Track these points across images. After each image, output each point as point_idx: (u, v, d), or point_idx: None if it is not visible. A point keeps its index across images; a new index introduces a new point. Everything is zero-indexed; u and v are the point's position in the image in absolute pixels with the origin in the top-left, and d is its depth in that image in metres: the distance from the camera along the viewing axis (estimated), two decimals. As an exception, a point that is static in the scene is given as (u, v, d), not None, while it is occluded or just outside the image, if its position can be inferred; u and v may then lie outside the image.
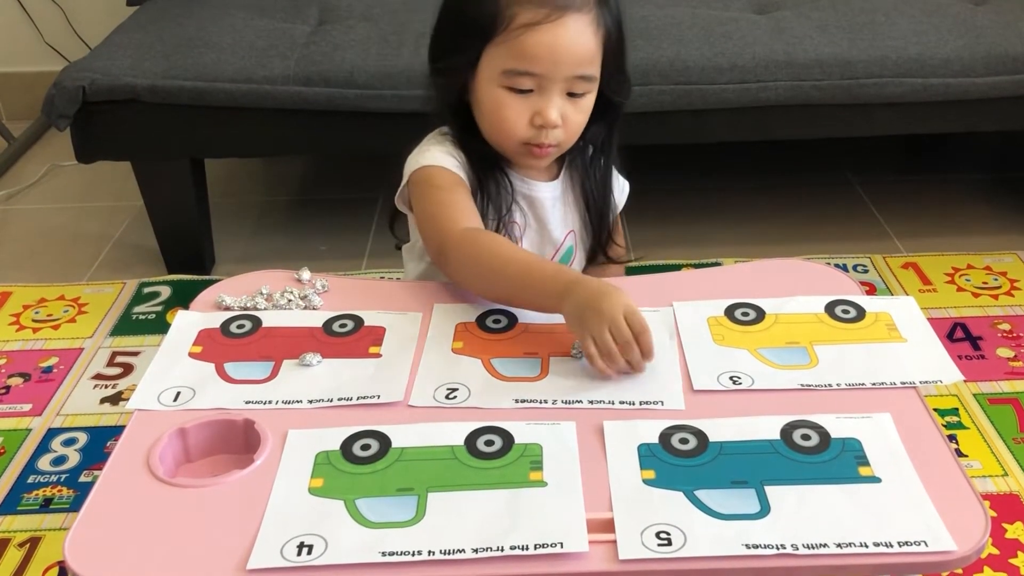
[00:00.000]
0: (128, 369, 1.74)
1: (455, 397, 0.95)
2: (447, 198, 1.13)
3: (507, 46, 1.08)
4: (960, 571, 1.19)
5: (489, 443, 0.89)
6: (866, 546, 0.77)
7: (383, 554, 0.77)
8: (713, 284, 1.14)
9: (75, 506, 1.44)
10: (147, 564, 0.78)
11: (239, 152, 2.15)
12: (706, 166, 2.43)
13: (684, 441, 0.89)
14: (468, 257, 1.07)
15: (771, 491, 0.83)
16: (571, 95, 1.11)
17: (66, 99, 1.80)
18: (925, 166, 2.46)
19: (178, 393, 0.96)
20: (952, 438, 1.52)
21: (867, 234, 2.14)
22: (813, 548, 0.77)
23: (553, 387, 0.96)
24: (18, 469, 1.52)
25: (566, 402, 0.94)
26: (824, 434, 0.89)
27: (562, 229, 1.23)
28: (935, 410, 1.42)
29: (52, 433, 1.59)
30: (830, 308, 1.08)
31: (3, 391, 1.69)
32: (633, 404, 0.93)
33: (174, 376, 0.98)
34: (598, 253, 1.26)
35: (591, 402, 0.94)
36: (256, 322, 1.07)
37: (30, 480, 1.50)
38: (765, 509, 0.81)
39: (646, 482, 0.84)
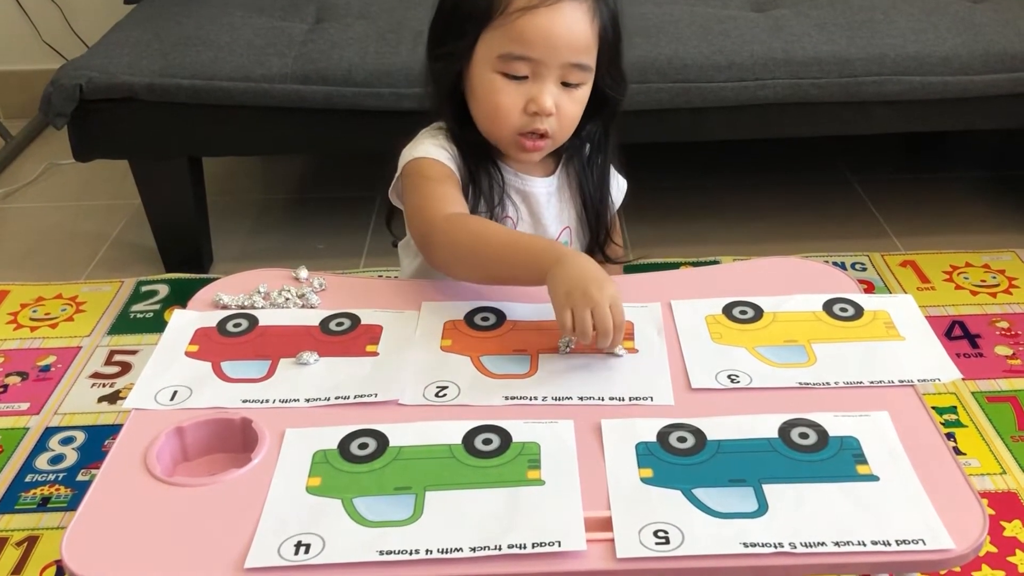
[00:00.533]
0: (126, 368, 1.74)
1: (445, 395, 0.95)
2: (436, 188, 1.13)
3: (503, 30, 1.08)
4: (958, 569, 1.18)
5: (487, 442, 0.88)
6: (864, 544, 0.77)
7: (381, 553, 0.77)
8: (711, 282, 1.14)
9: (73, 505, 1.44)
10: (144, 563, 0.78)
11: (237, 151, 2.15)
12: (704, 164, 2.43)
13: (682, 440, 0.89)
14: (453, 239, 1.07)
15: (769, 489, 0.82)
16: (566, 85, 1.11)
17: (63, 97, 1.80)
18: (923, 164, 2.45)
19: (175, 392, 0.96)
20: (950, 436, 1.52)
21: (866, 232, 2.14)
22: (811, 547, 0.77)
23: (543, 384, 0.96)
24: (16, 468, 1.52)
25: (556, 399, 0.94)
26: (822, 432, 0.89)
27: (557, 225, 1.23)
28: (933, 408, 1.42)
29: (50, 432, 1.59)
30: (828, 306, 1.08)
31: (1, 390, 1.69)
32: (623, 400, 0.94)
33: (171, 375, 0.98)
34: (595, 251, 1.26)
35: (581, 398, 0.94)
36: (253, 321, 1.06)
37: (28, 479, 1.50)
38: (763, 508, 0.81)
39: (644, 481, 0.84)
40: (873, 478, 0.84)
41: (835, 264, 1.79)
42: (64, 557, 0.78)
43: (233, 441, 0.92)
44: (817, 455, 0.87)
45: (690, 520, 0.79)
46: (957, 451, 1.48)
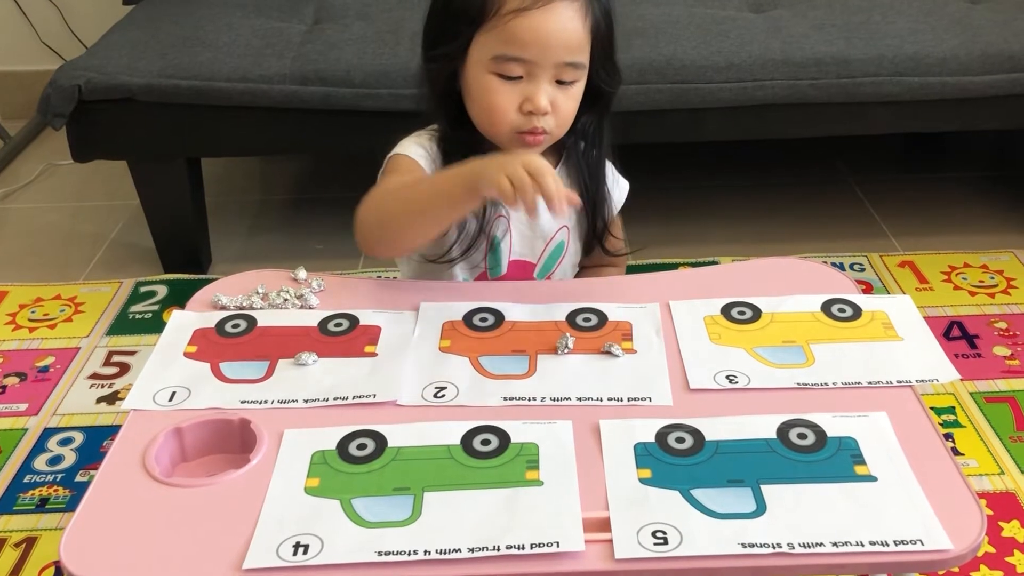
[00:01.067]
0: (125, 368, 1.74)
1: (443, 396, 0.95)
2: (395, 182, 1.14)
3: (496, 32, 1.08)
4: (956, 570, 1.19)
5: (485, 442, 0.89)
6: (862, 545, 0.77)
7: (379, 554, 0.77)
8: (710, 283, 1.14)
9: (71, 506, 1.44)
10: (143, 564, 0.78)
11: (235, 151, 2.15)
12: (703, 165, 2.43)
13: (680, 440, 0.89)
14: (375, 204, 1.09)
15: (767, 490, 0.83)
16: (560, 83, 1.11)
17: (62, 98, 1.80)
18: (922, 165, 2.46)
19: (173, 393, 0.96)
20: (949, 436, 1.52)
21: (864, 233, 2.14)
22: (809, 547, 0.77)
23: (541, 384, 0.96)
24: (14, 469, 1.52)
25: (554, 399, 0.94)
26: (820, 433, 0.89)
27: (554, 223, 1.23)
28: (932, 409, 1.42)
29: (48, 433, 1.59)
30: (826, 307, 1.08)
31: (-1, 391, 1.69)
32: (621, 400, 0.94)
33: (169, 376, 0.98)
34: (593, 245, 1.26)
35: (579, 399, 0.94)
36: (251, 322, 1.07)
37: (26, 480, 1.50)
38: (761, 508, 0.81)
39: (642, 481, 0.84)
40: (871, 478, 0.84)
41: (833, 265, 1.80)
42: (62, 558, 0.78)
43: (232, 442, 0.92)
44: (815, 455, 0.87)
45: (688, 520, 0.79)
46: (955, 451, 1.49)
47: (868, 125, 1.93)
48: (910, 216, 2.19)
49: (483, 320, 1.06)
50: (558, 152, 1.23)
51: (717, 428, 0.90)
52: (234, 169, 2.48)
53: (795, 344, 1.02)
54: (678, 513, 0.80)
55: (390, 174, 1.17)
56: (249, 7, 2.00)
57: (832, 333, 1.04)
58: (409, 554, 0.77)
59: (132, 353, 1.79)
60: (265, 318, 1.07)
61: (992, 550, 1.32)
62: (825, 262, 1.28)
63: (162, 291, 1.97)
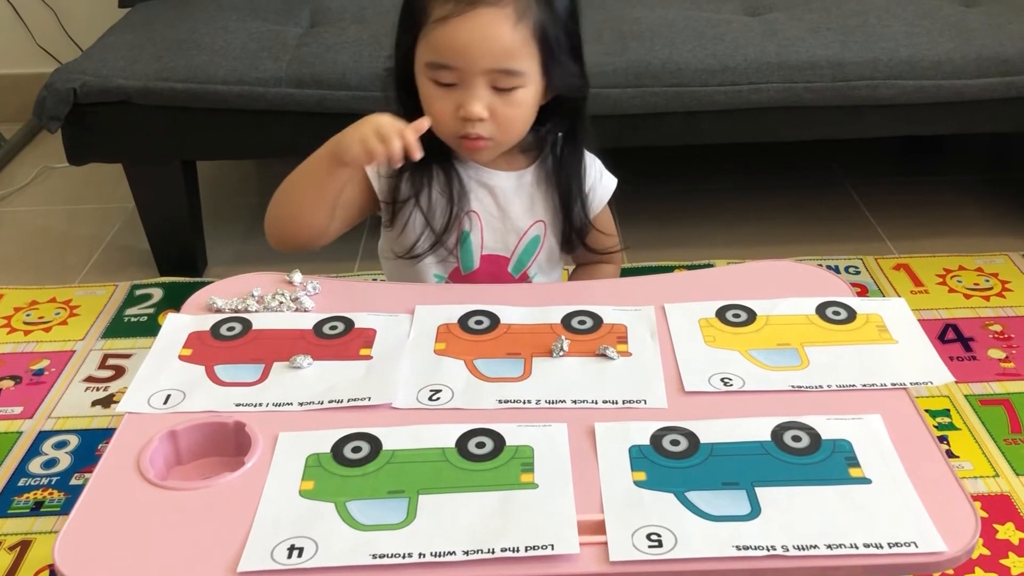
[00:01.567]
0: (120, 371, 1.74)
1: (438, 399, 0.95)
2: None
3: (427, 40, 1.10)
4: (951, 572, 1.19)
5: (480, 445, 0.89)
6: (856, 547, 0.77)
7: (374, 556, 0.77)
8: (705, 286, 1.14)
9: (66, 509, 1.44)
10: (137, 567, 0.78)
11: (231, 154, 2.15)
12: (698, 168, 2.44)
13: (675, 443, 0.89)
14: (272, 199, 1.18)
15: (762, 492, 0.83)
16: (499, 89, 1.11)
17: (57, 101, 1.80)
18: (917, 168, 2.46)
19: (168, 396, 0.96)
20: (943, 439, 1.52)
21: (859, 235, 2.14)
22: (804, 549, 0.77)
23: (536, 387, 0.96)
24: (9, 472, 1.51)
25: (550, 402, 0.94)
26: (815, 435, 0.89)
27: (526, 218, 1.24)
28: (926, 411, 1.42)
29: (43, 436, 1.59)
30: (821, 309, 1.08)
31: (-6, 394, 1.69)
32: (616, 403, 0.94)
33: (164, 379, 0.98)
34: (570, 245, 1.26)
35: (575, 402, 0.94)
36: (246, 324, 1.06)
37: (21, 483, 1.49)
38: (756, 510, 0.81)
39: (637, 484, 0.84)
40: (865, 481, 0.84)
41: (828, 267, 1.80)
42: (57, 561, 0.78)
43: (226, 445, 0.92)
44: (810, 458, 0.87)
45: (683, 523, 0.79)
46: (950, 454, 1.49)
47: (863, 128, 1.93)
48: (905, 219, 2.20)
49: (478, 323, 1.06)
50: (534, 152, 1.23)
51: (712, 430, 0.90)
52: (230, 172, 2.48)
53: (790, 347, 1.02)
54: (673, 515, 0.80)
55: None
56: (245, 10, 2.00)
57: (827, 336, 1.04)
58: (404, 557, 0.77)
59: (127, 356, 1.78)
60: (260, 321, 1.07)
61: (987, 552, 1.33)
62: (820, 265, 1.28)
63: (157, 294, 1.97)
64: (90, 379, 1.72)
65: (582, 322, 1.06)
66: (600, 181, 1.28)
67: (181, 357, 1.02)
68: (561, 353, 1.01)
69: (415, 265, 1.23)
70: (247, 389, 0.97)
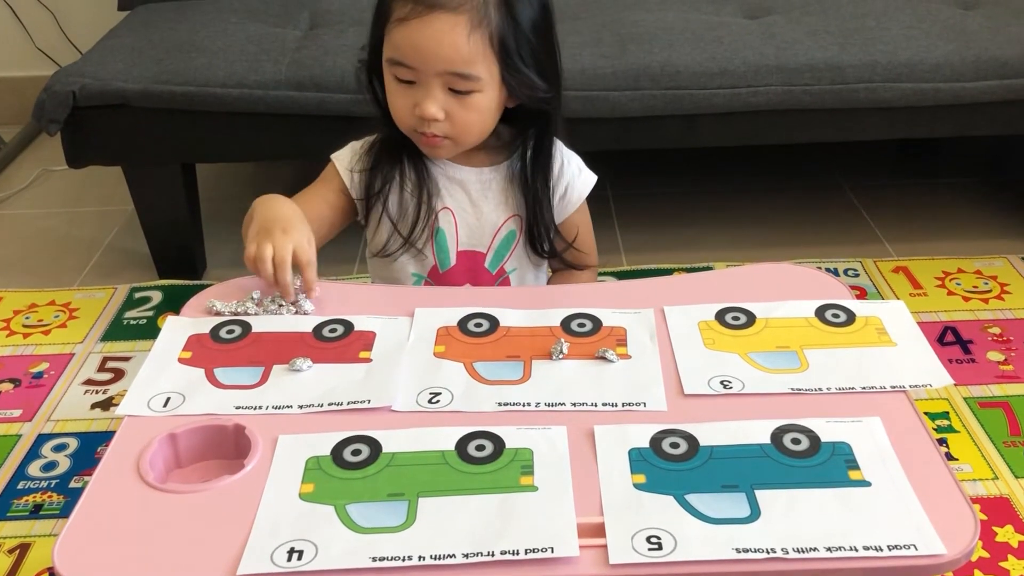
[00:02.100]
0: (119, 374, 1.74)
1: (438, 401, 0.95)
2: (306, 191, 1.26)
3: (389, 37, 1.13)
4: (950, 574, 1.19)
5: (480, 448, 0.89)
6: (856, 550, 0.77)
7: (374, 559, 0.77)
8: (704, 288, 1.15)
9: (65, 512, 1.44)
10: (137, 570, 0.78)
11: (230, 157, 2.15)
12: (697, 170, 2.44)
13: (675, 445, 0.89)
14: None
15: (761, 495, 0.83)
16: (456, 91, 1.13)
17: (57, 104, 1.80)
18: (916, 170, 2.46)
19: (168, 399, 0.96)
20: (943, 442, 1.52)
21: (858, 238, 2.14)
22: (803, 552, 0.77)
23: (536, 390, 0.96)
24: (8, 475, 1.51)
25: (549, 405, 0.94)
26: (814, 438, 0.89)
27: (500, 213, 1.26)
28: (926, 414, 1.42)
29: (42, 439, 1.59)
30: (820, 312, 1.08)
31: (-7, 397, 1.69)
32: (616, 406, 0.94)
33: (164, 382, 0.98)
34: (536, 246, 1.27)
35: (574, 404, 0.94)
36: (246, 327, 1.06)
37: (20, 486, 1.49)
38: (755, 513, 0.81)
39: (637, 486, 0.84)
40: (865, 483, 0.84)
41: (827, 270, 1.80)
42: (56, 564, 0.78)
43: (226, 448, 0.92)
44: (809, 460, 0.87)
45: (683, 526, 0.80)
46: (949, 456, 1.49)
47: (862, 131, 1.94)
48: (904, 221, 2.20)
49: (478, 325, 1.06)
50: (508, 150, 1.25)
51: (711, 433, 0.90)
52: (229, 175, 2.48)
53: (789, 349, 1.02)
54: (672, 518, 0.80)
55: (315, 182, 1.28)
56: (244, 13, 2.00)
57: (826, 338, 1.04)
58: (403, 560, 0.77)
59: (126, 359, 1.78)
60: (260, 324, 1.07)
61: (986, 555, 1.33)
62: (819, 267, 1.28)
63: (156, 297, 1.97)
64: (89, 382, 1.72)
65: (581, 325, 1.06)
66: (578, 177, 1.28)
67: (180, 360, 1.02)
68: (560, 356, 1.01)
69: (391, 264, 1.25)
70: (247, 392, 0.97)
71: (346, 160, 1.26)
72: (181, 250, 2.05)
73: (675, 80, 1.82)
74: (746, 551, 0.77)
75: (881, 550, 0.77)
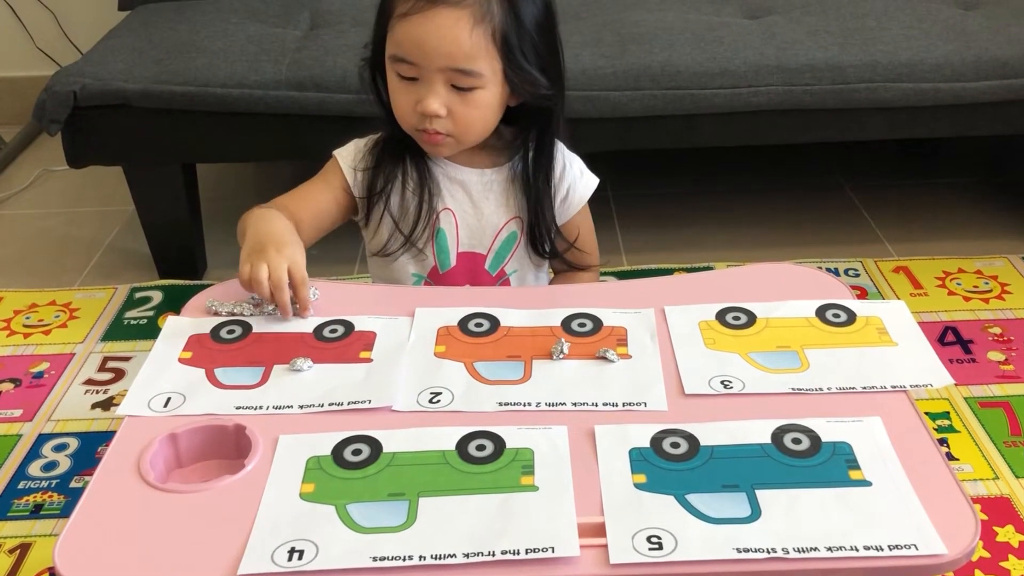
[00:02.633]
0: (120, 374, 1.74)
1: (439, 401, 0.95)
2: (307, 185, 1.26)
3: (392, 33, 1.13)
4: (951, 574, 1.19)
5: (480, 448, 0.89)
6: (856, 549, 0.77)
7: (374, 559, 0.77)
8: (705, 288, 1.15)
9: (66, 512, 1.44)
10: (138, 569, 0.78)
11: (231, 157, 2.15)
12: (698, 170, 2.44)
13: (675, 445, 0.89)
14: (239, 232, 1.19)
15: (762, 495, 0.83)
16: (458, 88, 1.13)
17: (57, 104, 1.80)
18: (916, 170, 2.46)
19: (168, 399, 0.96)
20: (943, 442, 1.52)
21: (858, 238, 2.14)
22: (804, 552, 0.77)
23: (536, 390, 0.96)
24: (8, 475, 1.51)
25: (550, 404, 0.94)
26: (815, 438, 0.89)
27: (501, 214, 1.26)
28: (926, 414, 1.42)
29: (43, 439, 1.59)
30: (821, 312, 1.08)
31: (-6, 397, 1.69)
32: (616, 405, 0.94)
33: (164, 382, 0.98)
34: (537, 246, 1.27)
35: (575, 404, 0.94)
36: (246, 327, 1.07)
37: (20, 486, 1.49)
38: (756, 513, 0.81)
39: (637, 486, 0.84)
40: (866, 483, 0.84)
41: (828, 270, 1.80)
42: (57, 564, 0.78)
43: (227, 448, 0.92)
44: (810, 460, 0.87)
45: (683, 525, 0.80)
46: (950, 456, 1.49)
47: (862, 131, 1.94)
48: (905, 221, 2.20)
49: (478, 325, 1.06)
50: (509, 150, 1.24)
51: (712, 433, 0.90)
52: (229, 175, 2.48)
53: (789, 349, 1.02)
54: (673, 518, 0.80)
55: (315, 177, 1.28)
56: (244, 13, 2.00)
57: (826, 338, 1.04)
58: (404, 559, 0.77)
59: (127, 359, 1.78)
60: (260, 324, 1.07)
61: (987, 555, 1.33)
62: (820, 267, 1.28)
63: (157, 297, 1.97)
64: (90, 382, 1.72)
65: (582, 325, 1.06)
66: (580, 180, 1.28)
67: (181, 360, 1.02)
68: (561, 356, 1.01)
69: (391, 264, 1.25)
70: (247, 392, 0.97)
71: (349, 158, 1.26)
72: (181, 250, 2.05)
73: (676, 80, 1.82)
74: (747, 551, 0.77)
75: (882, 550, 0.77)
